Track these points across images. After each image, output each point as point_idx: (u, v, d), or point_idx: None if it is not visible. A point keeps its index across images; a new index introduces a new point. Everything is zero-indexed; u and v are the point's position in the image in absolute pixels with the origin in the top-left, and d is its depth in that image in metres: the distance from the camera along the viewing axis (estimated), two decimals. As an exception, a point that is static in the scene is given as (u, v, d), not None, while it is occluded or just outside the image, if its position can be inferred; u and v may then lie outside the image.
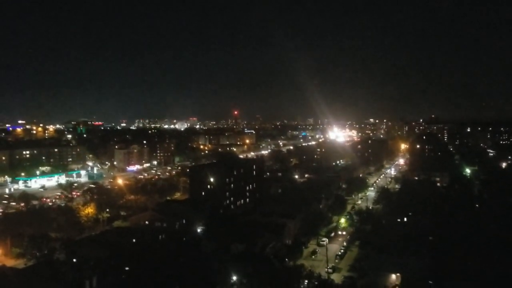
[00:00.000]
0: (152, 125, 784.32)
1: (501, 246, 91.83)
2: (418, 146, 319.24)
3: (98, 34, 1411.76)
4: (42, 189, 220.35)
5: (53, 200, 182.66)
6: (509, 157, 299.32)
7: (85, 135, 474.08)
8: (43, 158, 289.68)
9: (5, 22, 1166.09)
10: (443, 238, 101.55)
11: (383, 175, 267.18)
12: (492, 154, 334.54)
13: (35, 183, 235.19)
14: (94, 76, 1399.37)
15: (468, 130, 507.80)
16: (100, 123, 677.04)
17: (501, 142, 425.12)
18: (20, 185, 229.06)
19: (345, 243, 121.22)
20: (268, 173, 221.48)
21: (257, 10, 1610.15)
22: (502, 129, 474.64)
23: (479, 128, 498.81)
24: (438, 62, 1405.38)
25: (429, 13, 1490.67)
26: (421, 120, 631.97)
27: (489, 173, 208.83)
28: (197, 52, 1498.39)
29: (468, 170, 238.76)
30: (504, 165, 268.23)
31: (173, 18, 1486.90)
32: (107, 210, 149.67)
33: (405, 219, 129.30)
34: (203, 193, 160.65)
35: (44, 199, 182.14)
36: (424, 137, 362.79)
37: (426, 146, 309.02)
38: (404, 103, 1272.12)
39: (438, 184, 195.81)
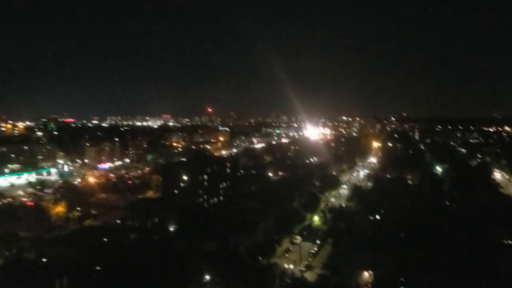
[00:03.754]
0: (125, 123, 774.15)
1: (471, 242, 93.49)
2: (390, 144, 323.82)
3: (69, 31, 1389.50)
4: (11, 188, 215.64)
5: (22, 198, 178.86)
6: (479, 155, 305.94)
7: (56, 132, 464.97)
8: (12, 155, 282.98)
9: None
10: (414, 235, 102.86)
11: (355, 172, 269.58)
12: (462, 152, 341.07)
13: (4, 181, 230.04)
14: (65, 72, 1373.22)
15: (439, 128, 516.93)
16: (71, 120, 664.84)
17: (470, 140, 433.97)
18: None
19: (318, 241, 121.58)
20: (242, 171, 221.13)
21: (230, 7, 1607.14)
22: (471, 127, 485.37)
23: (449, 127, 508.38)
24: (410, 60, 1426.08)
25: (402, 12, 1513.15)
26: (392, 118, 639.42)
27: (459, 171, 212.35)
28: (170, 48, 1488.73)
29: (439, 168, 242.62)
30: (473, 163, 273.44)
31: (145, 13, 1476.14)
32: (78, 208, 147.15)
33: (377, 216, 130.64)
34: (176, 191, 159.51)
35: (13, 198, 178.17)
36: (395, 135, 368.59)
37: (398, 144, 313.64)
38: (377, 101, 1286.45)
39: (410, 182, 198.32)
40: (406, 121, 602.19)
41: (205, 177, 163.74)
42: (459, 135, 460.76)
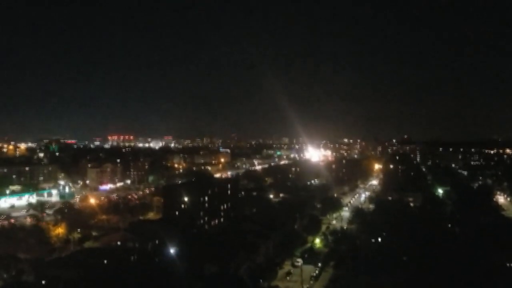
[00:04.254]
0: (126, 144, 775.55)
1: (474, 265, 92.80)
2: (391, 166, 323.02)
3: (70, 52, 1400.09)
4: (11, 209, 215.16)
5: (23, 220, 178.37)
6: (480, 177, 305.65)
7: (57, 154, 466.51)
8: (14, 176, 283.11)
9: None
10: (416, 258, 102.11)
11: (357, 194, 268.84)
12: (463, 175, 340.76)
13: (5, 203, 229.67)
14: (68, 94, 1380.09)
15: (440, 150, 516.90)
16: (73, 141, 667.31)
17: (471, 162, 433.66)
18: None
19: (320, 264, 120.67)
20: (243, 192, 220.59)
21: (231, 28, 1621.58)
22: (472, 150, 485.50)
23: (451, 149, 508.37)
24: (411, 83, 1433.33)
25: (403, 36, 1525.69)
26: (394, 140, 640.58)
27: (461, 193, 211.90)
28: (172, 70, 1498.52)
29: (440, 190, 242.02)
30: (475, 185, 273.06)
31: (147, 36, 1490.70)
32: (78, 230, 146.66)
33: (379, 239, 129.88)
34: (177, 213, 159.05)
35: (13, 219, 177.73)
36: (397, 157, 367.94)
37: (399, 166, 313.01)
38: (378, 123, 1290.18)
39: (411, 204, 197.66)
40: (407, 143, 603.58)
41: (206, 198, 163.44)
42: (460, 158, 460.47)
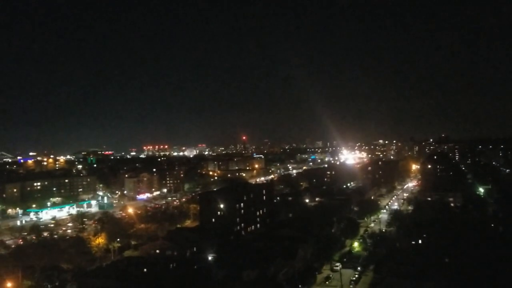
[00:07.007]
0: (161, 153, 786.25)
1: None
2: (429, 166, 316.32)
3: (105, 65, 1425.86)
4: (53, 220, 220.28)
5: (64, 231, 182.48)
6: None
7: (95, 165, 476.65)
8: (54, 189, 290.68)
9: (12, 53, 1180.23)
10: (459, 260, 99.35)
11: (395, 196, 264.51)
12: (505, 172, 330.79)
13: (46, 215, 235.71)
14: (103, 106, 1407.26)
15: (480, 148, 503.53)
16: (110, 152, 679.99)
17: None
18: (32, 217, 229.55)
19: (359, 268, 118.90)
20: (278, 198, 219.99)
21: (264, 34, 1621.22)
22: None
23: (491, 146, 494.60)
24: (447, 80, 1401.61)
25: (437, 32, 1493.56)
26: (431, 140, 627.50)
27: (503, 191, 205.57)
28: (204, 79, 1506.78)
29: (481, 189, 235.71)
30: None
31: (178, 45, 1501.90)
32: (118, 239, 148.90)
33: (420, 241, 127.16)
34: (213, 220, 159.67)
35: (55, 231, 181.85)
36: (435, 157, 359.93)
37: (438, 166, 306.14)
38: (414, 123, 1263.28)
39: (452, 204, 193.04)
40: (445, 142, 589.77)
41: (242, 205, 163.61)
42: (501, 155, 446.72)
